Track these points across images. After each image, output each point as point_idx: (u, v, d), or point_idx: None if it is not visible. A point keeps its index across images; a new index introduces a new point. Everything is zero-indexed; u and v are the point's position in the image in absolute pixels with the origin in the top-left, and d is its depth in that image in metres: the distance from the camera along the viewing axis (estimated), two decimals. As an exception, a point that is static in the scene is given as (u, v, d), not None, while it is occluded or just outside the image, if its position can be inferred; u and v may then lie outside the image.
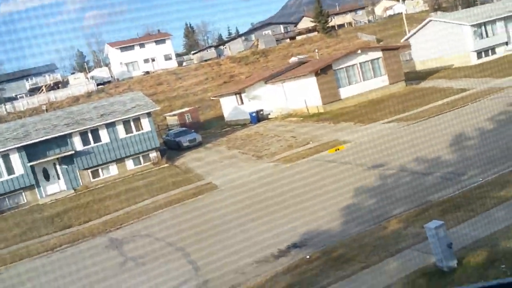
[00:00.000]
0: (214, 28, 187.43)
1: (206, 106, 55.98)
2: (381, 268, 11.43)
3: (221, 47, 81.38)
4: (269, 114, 42.36)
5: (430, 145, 21.41)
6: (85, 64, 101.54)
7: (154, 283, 14.48)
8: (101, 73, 72.73)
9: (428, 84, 39.69)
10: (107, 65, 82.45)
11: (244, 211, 18.94)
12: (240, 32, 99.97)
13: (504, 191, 14.11)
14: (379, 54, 40.12)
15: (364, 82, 39.07)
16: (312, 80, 37.72)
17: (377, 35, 72.69)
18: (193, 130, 40.56)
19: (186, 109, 50.17)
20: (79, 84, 65.52)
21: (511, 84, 31.48)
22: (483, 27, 44.17)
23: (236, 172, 26.26)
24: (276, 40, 75.92)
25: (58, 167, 32.17)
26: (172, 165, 32.94)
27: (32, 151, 31.07)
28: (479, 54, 44.02)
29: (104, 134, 33.17)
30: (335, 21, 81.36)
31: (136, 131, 33.94)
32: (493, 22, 44.48)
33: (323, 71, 37.83)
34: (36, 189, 31.34)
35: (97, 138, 32.97)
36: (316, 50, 65.51)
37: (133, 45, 71.91)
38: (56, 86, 67.18)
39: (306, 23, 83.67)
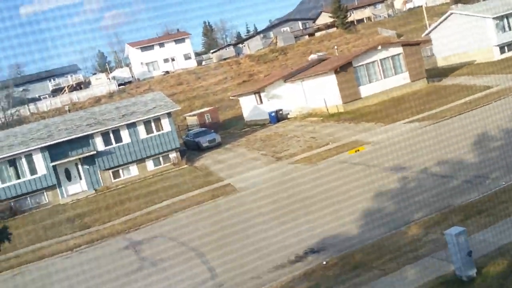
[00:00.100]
0: (232, 25, 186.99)
1: (225, 106, 56.03)
2: (399, 276, 11.27)
3: (240, 45, 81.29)
4: (288, 113, 41.99)
5: (452, 146, 20.98)
6: (107, 64, 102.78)
7: (168, 283, 14.65)
8: (122, 73, 73.58)
9: (450, 81, 38.85)
10: (127, 65, 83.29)
11: (263, 213, 18.93)
12: (258, 30, 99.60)
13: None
14: (399, 50, 39.12)
15: (385, 79, 38.36)
16: (332, 78, 37.21)
17: (397, 30, 71.47)
18: (212, 130, 40.62)
19: (206, 109, 50.29)
20: (101, 84, 66.39)
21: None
22: (505, 20, 42.76)
23: (256, 174, 26.24)
24: (295, 37, 75.09)
25: (80, 167, 32.65)
26: (192, 166, 33.10)
27: (54, 152, 31.60)
28: (501, 48, 42.75)
29: (125, 135, 33.53)
30: (354, 16, 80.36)
31: (157, 131, 34.19)
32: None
33: (342, 68, 37.17)
34: (58, 189, 31.86)
35: (118, 139, 33.36)
36: (335, 47, 64.88)
37: (153, 45, 72.41)
38: (78, 86, 68.25)
39: (325, 18, 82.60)
